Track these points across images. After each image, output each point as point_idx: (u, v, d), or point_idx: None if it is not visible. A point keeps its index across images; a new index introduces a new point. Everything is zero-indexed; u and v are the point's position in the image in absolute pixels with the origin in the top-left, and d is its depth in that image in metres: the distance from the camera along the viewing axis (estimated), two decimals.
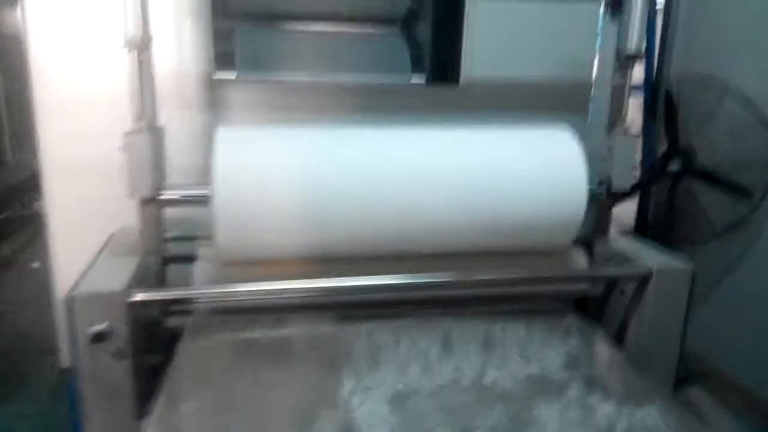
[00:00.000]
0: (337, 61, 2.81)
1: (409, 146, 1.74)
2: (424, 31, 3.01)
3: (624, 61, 1.87)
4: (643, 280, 1.82)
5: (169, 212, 2.06)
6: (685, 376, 2.85)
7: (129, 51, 1.53)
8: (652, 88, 2.74)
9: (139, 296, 1.47)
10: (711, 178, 2.42)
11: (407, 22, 3.01)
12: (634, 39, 1.83)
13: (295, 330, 1.54)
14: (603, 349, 1.51)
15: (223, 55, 2.70)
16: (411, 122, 2.48)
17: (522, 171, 1.74)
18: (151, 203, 1.66)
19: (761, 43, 2.39)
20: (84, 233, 1.92)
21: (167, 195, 1.68)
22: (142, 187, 1.59)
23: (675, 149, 2.45)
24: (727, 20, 2.58)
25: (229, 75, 2.64)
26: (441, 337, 1.52)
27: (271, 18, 2.84)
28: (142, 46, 1.54)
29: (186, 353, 1.43)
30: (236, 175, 1.56)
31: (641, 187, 2.51)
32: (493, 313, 1.69)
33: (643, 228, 2.93)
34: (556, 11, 2.26)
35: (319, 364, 1.38)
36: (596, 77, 2.02)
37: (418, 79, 2.79)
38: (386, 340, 1.48)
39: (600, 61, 1.98)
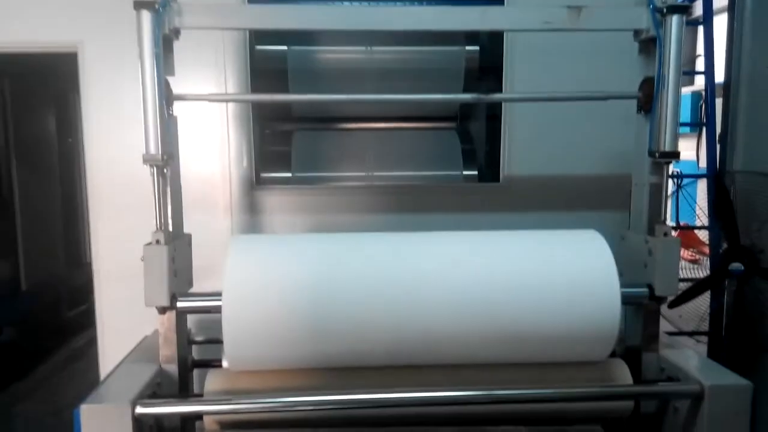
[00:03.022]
0: (388, 159, 2.86)
1: (427, 254, 1.68)
2: (479, 128, 3.03)
3: (658, 159, 1.77)
4: (697, 398, 1.64)
5: (199, 316, 2.09)
6: None
7: (150, 167, 1.60)
8: (714, 182, 2.56)
9: (141, 410, 1.46)
10: None
11: (462, 120, 3.05)
12: (667, 137, 1.74)
13: None
14: None
15: (280, 156, 2.82)
16: (454, 221, 2.49)
17: (546, 278, 1.64)
18: (170, 311, 1.68)
19: None
20: (132, 333, 1.96)
21: (186, 303, 1.69)
22: (158, 296, 1.62)
23: (736, 248, 2.24)
24: None
25: (284, 174, 2.74)
26: None
27: (332, 120, 2.96)
28: (162, 163, 1.60)
29: None
30: (246, 287, 1.56)
31: (698, 291, 2.29)
32: None
33: (716, 334, 2.67)
34: (594, 108, 2.21)
35: None
36: (635, 175, 1.91)
37: (469, 176, 2.78)
38: None
39: (638, 158, 1.88)
